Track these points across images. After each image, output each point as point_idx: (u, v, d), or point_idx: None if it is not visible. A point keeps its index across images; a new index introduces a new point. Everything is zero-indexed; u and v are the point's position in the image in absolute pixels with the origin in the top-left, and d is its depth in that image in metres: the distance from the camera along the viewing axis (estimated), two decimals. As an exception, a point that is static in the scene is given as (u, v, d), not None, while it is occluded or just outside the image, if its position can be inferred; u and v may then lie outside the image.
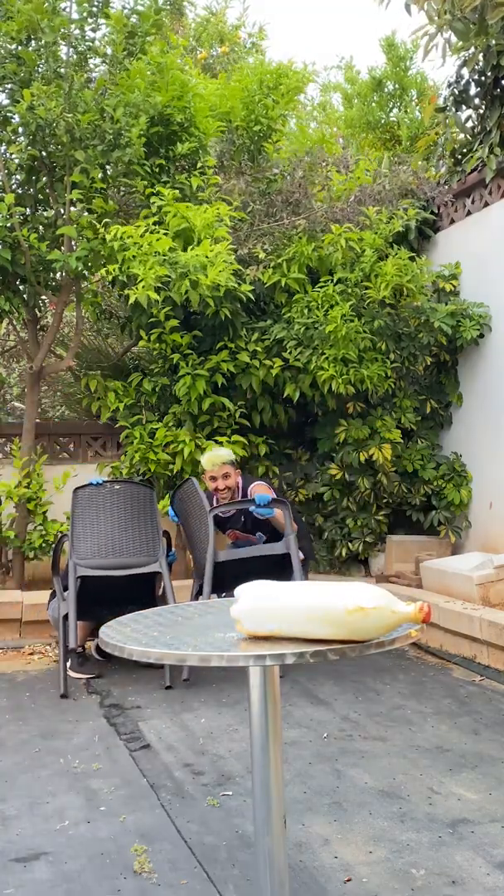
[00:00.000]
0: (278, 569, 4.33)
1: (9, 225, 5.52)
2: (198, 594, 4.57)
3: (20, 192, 5.91)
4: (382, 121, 10.28)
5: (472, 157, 6.40)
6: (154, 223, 5.67)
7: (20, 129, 5.66)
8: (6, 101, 5.73)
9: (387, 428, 6.17)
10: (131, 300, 5.35)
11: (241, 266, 5.88)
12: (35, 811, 2.86)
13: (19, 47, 5.58)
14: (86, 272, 5.91)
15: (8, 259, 5.51)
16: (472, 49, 6.03)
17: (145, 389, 6.07)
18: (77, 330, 6.33)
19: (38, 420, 6.26)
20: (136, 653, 1.69)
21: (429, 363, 6.42)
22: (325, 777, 3.09)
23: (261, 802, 1.83)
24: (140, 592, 4.61)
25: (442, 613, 4.90)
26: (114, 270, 5.52)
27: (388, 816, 2.75)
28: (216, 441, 5.83)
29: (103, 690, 4.28)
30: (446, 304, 6.37)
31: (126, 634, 1.83)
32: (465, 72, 6.63)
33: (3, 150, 5.83)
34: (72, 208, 5.82)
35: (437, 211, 6.91)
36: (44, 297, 6.15)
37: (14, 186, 5.92)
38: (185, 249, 5.61)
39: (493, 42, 5.78)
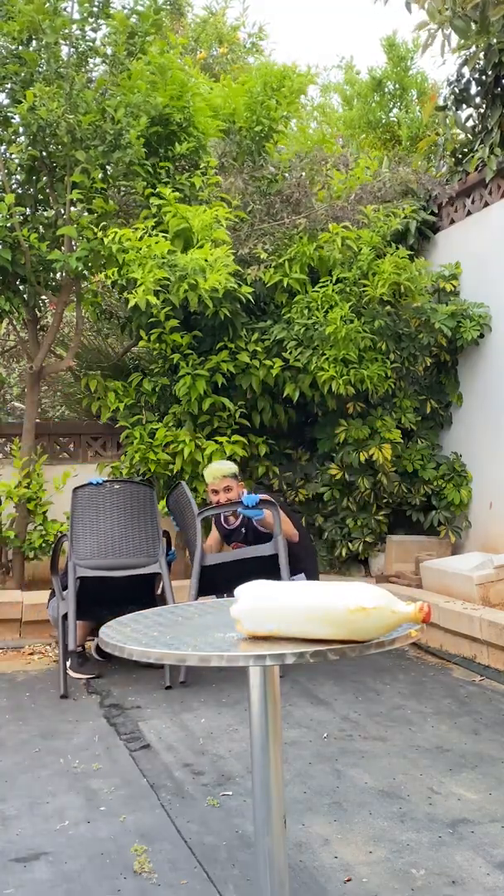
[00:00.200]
0: (274, 571, 4.33)
1: (9, 225, 5.52)
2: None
3: (20, 192, 5.92)
4: (383, 121, 10.28)
5: (472, 157, 6.40)
6: (153, 224, 5.68)
7: (21, 129, 5.66)
8: (6, 102, 5.73)
9: (387, 428, 6.17)
10: (130, 304, 5.36)
11: (241, 266, 5.88)
12: (35, 811, 2.86)
13: (20, 47, 5.58)
14: (86, 272, 5.91)
15: (8, 259, 5.51)
16: (473, 48, 6.02)
17: (145, 389, 6.07)
18: (77, 330, 6.33)
19: (38, 420, 6.26)
20: (136, 653, 1.69)
21: (429, 363, 6.42)
22: (325, 777, 3.09)
23: (261, 802, 1.83)
24: (140, 592, 4.61)
25: (442, 613, 4.90)
26: (112, 274, 5.52)
27: (388, 816, 2.75)
28: (216, 441, 5.83)
29: (103, 690, 4.28)
30: (446, 304, 6.37)
31: (126, 634, 1.83)
32: (466, 70, 6.63)
33: (3, 150, 5.83)
34: (72, 208, 5.82)
35: (436, 211, 6.91)
36: (44, 297, 6.15)
37: (14, 186, 5.92)
38: (185, 250, 5.61)
39: (495, 41, 5.78)
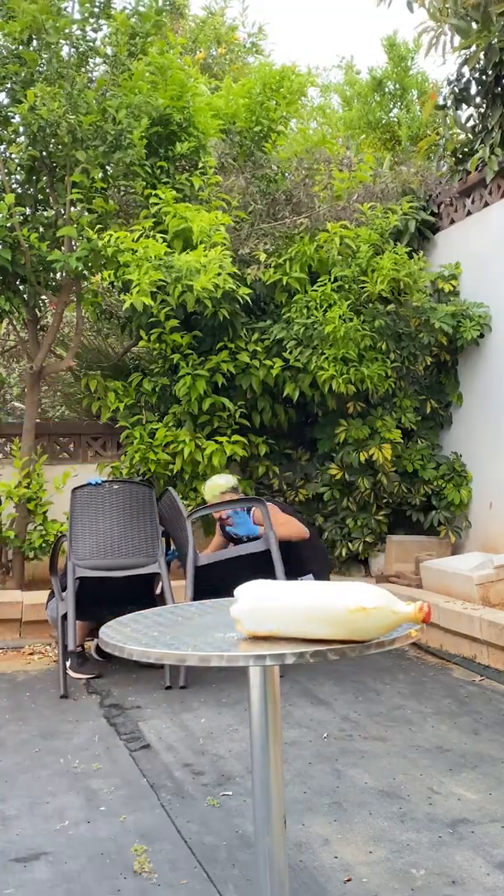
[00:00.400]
0: (271, 570, 4.33)
1: (9, 225, 5.52)
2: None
3: (20, 192, 5.92)
4: (383, 121, 10.28)
5: (473, 157, 6.40)
6: (152, 224, 5.68)
7: (21, 129, 5.66)
8: (7, 102, 5.73)
9: (387, 428, 6.17)
10: (126, 305, 5.37)
11: (241, 266, 5.88)
12: (35, 811, 2.86)
13: (21, 47, 5.58)
14: (86, 272, 5.91)
15: (8, 259, 5.51)
16: (473, 47, 6.02)
17: (145, 389, 6.07)
18: (77, 330, 6.33)
19: (38, 420, 6.26)
20: (136, 653, 1.69)
21: (429, 363, 6.42)
22: (325, 777, 3.09)
23: (261, 802, 1.83)
24: (139, 592, 4.61)
25: (442, 613, 4.90)
26: (108, 276, 5.52)
27: (388, 816, 2.75)
28: (216, 441, 5.83)
29: (103, 690, 4.28)
30: (446, 304, 6.37)
31: (126, 634, 1.82)
32: (466, 70, 6.62)
33: (3, 150, 5.83)
34: (72, 208, 5.82)
35: (436, 211, 6.91)
36: (44, 297, 6.15)
37: (14, 186, 5.93)
38: (184, 250, 5.61)
39: (495, 39, 5.78)
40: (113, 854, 2.53)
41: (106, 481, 4.77)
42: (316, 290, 5.89)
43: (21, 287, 5.88)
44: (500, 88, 6.34)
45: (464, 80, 6.68)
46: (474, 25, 4.89)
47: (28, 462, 5.84)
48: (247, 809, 2.79)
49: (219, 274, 5.33)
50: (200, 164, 6.10)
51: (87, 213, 5.79)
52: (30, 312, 6.08)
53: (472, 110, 6.76)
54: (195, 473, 5.89)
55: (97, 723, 3.78)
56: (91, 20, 5.69)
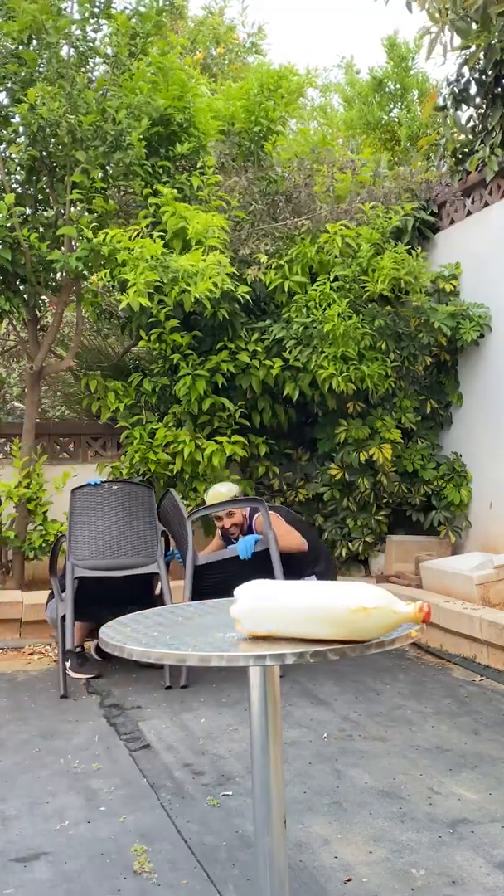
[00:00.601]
0: (270, 571, 4.33)
1: (9, 225, 5.52)
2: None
3: (20, 191, 5.91)
4: (383, 121, 10.28)
5: (473, 157, 6.40)
6: (150, 223, 5.67)
7: (21, 129, 5.66)
8: (6, 101, 5.73)
9: (387, 428, 6.17)
10: (122, 305, 5.37)
11: (241, 266, 5.88)
12: (35, 811, 2.86)
13: (20, 47, 5.58)
14: (86, 272, 5.91)
15: (8, 259, 5.50)
16: (473, 47, 6.02)
17: (145, 389, 6.07)
18: (77, 330, 6.33)
19: (38, 420, 6.26)
20: (136, 653, 1.69)
21: (429, 363, 6.42)
22: (325, 777, 3.09)
23: (261, 802, 1.83)
24: (138, 593, 4.61)
25: (442, 613, 4.90)
26: (104, 276, 5.52)
27: (388, 816, 2.75)
28: (216, 441, 5.83)
29: (103, 690, 4.28)
30: (446, 304, 6.37)
31: (126, 634, 1.83)
32: (466, 70, 6.62)
33: (3, 150, 5.83)
34: (72, 208, 5.82)
35: (436, 211, 6.91)
36: (44, 297, 6.14)
37: (14, 186, 5.92)
38: (183, 250, 5.61)
39: (495, 40, 5.78)
40: (113, 854, 2.53)
41: (105, 482, 4.77)
42: (315, 290, 5.89)
43: (21, 287, 5.88)
44: (499, 89, 6.34)
45: (463, 80, 6.68)
46: (474, 26, 4.89)
47: (28, 462, 5.84)
48: (247, 809, 2.79)
49: (214, 277, 5.31)
50: (200, 164, 6.10)
51: (87, 213, 5.79)
52: (30, 312, 6.08)
53: (471, 111, 6.77)
54: (195, 473, 5.88)
55: (97, 723, 3.78)
56: (91, 20, 5.69)
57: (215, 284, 5.33)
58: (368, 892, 2.28)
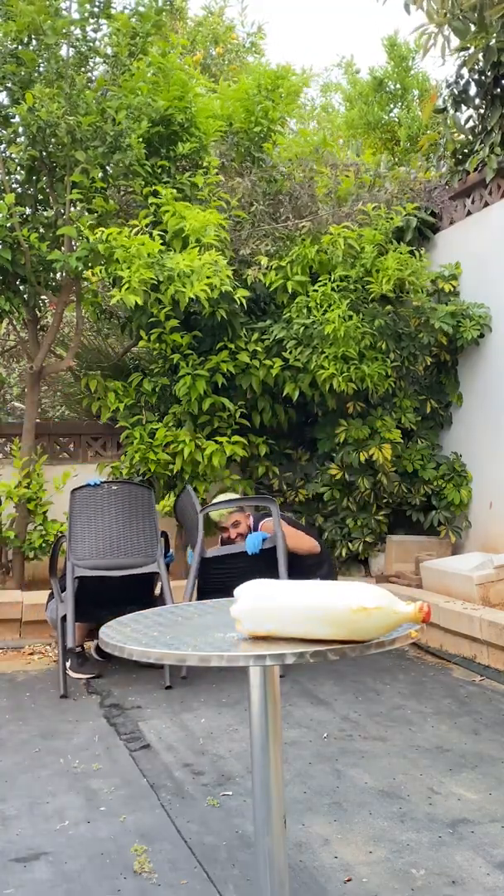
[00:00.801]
0: (275, 569, 4.34)
1: (9, 225, 5.52)
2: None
3: (20, 191, 5.91)
4: (384, 121, 10.28)
5: (473, 157, 6.40)
6: (150, 222, 5.67)
7: (21, 129, 5.66)
8: (6, 102, 5.73)
9: (387, 428, 6.17)
10: (113, 301, 5.37)
11: (241, 266, 5.88)
12: (35, 811, 2.86)
13: (19, 47, 5.58)
14: (85, 272, 5.91)
15: (8, 259, 5.50)
16: (472, 48, 6.02)
17: (145, 389, 6.07)
18: (77, 330, 6.33)
19: (38, 420, 6.26)
20: (136, 653, 1.69)
21: (429, 363, 6.42)
22: (325, 777, 3.09)
23: (261, 802, 1.83)
24: (138, 593, 4.61)
25: (442, 613, 4.90)
26: (99, 272, 5.52)
27: (388, 816, 2.75)
28: (216, 441, 5.83)
29: (103, 690, 4.28)
30: (446, 304, 6.37)
31: (126, 634, 1.83)
32: (465, 71, 6.62)
33: (3, 150, 5.83)
34: (72, 208, 5.82)
35: (436, 211, 6.91)
36: (44, 297, 6.14)
37: (14, 186, 5.92)
38: (183, 249, 5.61)
39: (493, 41, 5.78)
40: (113, 854, 2.53)
41: (105, 482, 4.77)
42: (316, 291, 5.89)
43: (21, 287, 5.88)
44: (499, 89, 6.34)
45: (463, 81, 6.68)
46: (472, 27, 4.90)
47: (28, 462, 5.84)
48: (247, 809, 2.79)
49: (211, 276, 5.31)
50: (203, 164, 6.10)
51: (87, 213, 5.79)
52: (30, 312, 6.08)
53: (471, 112, 6.77)
54: (195, 473, 5.88)
55: (97, 723, 3.78)
56: (91, 20, 5.69)
57: (212, 287, 5.32)
58: (368, 892, 2.28)
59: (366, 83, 10.56)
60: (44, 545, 5.72)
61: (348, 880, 2.35)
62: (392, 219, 6.10)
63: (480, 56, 6.13)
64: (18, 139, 5.76)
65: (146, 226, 5.60)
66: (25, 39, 5.58)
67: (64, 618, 4.32)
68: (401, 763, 3.22)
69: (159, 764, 3.26)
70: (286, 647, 1.62)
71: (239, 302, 5.71)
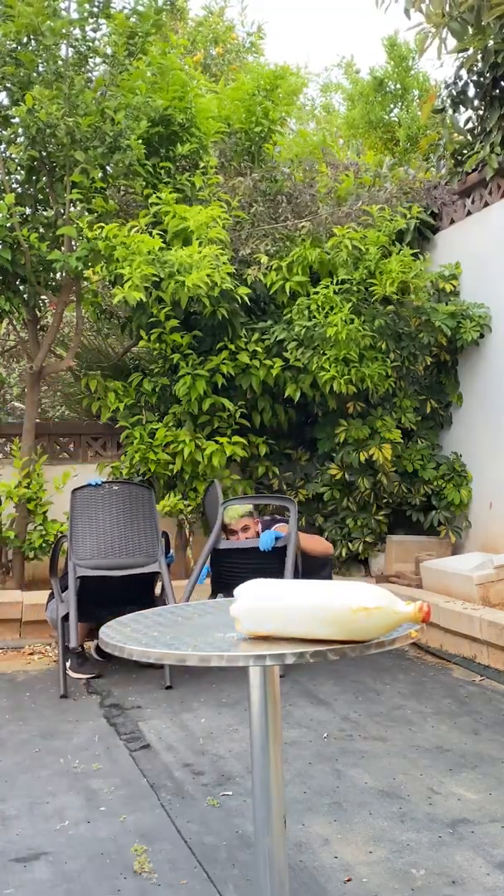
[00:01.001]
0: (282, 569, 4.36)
1: (9, 225, 5.52)
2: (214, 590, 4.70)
3: (20, 191, 5.91)
4: (384, 120, 10.27)
5: (472, 157, 6.40)
6: (150, 222, 5.67)
7: (20, 130, 5.66)
8: (6, 102, 5.73)
9: (387, 428, 6.17)
10: (116, 299, 5.37)
11: (241, 266, 5.88)
12: (35, 811, 2.86)
13: (18, 48, 5.57)
14: (85, 272, 5.91)
15: (8, 259, 5.50)
16: (470, 50, 6.03)
17: (145, 389, 6.07)
18: (77, 330, 6.33)
19: (38, 420, 6.26)
20: (136, 653, 1.69)
21: (429, 363, 6.42)
22: (325, 777, 3.09)
23: (261, 802, 1.83)
24: (139, 593, 4.61)
25: (442, 613, 4.90)
26: (100, 270, 5.52)
27: (388, 816, 2.75)
28: (216, 441, 5.83)
29: (103, 690, 4.28)
30: (446, 304, 6.37)
31: (126, 634, 1.83)
32: (464, 73, 6.63)
33: (3, 150, 5.83)
34: (72, 208, 5.82)
35: (436, 211, 6.91)
36: (44, 297, 6.14)
37: (14, 186, 5.92)
38: (183, 248, 5.60)
39: (491, 42, 5.78)
40: (113, 854, 2.53)
41: (106, 482, 4.78)
42: (318, 293, 5.89)
43: (21, 287, 5.88)
44: (497, 91, 6.34)
45: (461, 82, 6.68)
46: (469, 29, 4.90)
47: (28, 462, 5.84)
48: (247, 809, 2.79)
49: (212, 272, 5.31)
50: (202, 164, 6.10)
51: (86, 213, 5.79)
52: (30, 312, 6.08)
53: (470, 113, 6.77)
54: (195, 473, 5.89)
55: (97, 723, 3.78)
56: (90, 20, 5.68)
57: (214, 283, 5.32)
58: (368, 892, 2.28)
59: (366, 83, 10.55)
60: (44, 545, 5.72)
61: (348, 880, 2.35)
62: (394, 220, 6.09)
63: (479, 57, 6.13)
64: (18, 139, 5.76)
65: (146, 226, 5.60)
66: (24, 40, 5.58)
67: (64, 618, 4.32)
68: (401, 763, 3.22)
69: (159, 764, 3.26)
70: (286, 647, 1.62)
71: (240, 300, 5.71)
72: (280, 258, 6.02)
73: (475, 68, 6.42)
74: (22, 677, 4.54)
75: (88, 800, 2.94)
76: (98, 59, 5.89)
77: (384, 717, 3.79)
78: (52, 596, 4.76)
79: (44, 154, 5.63)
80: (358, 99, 10.52)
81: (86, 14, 5.67)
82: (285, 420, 6.34)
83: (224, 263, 5.43)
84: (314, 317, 5.83)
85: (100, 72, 5.93)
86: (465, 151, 6.74)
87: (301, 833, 2.63)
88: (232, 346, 5.92)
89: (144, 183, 5.95)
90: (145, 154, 5.85)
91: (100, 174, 5.68)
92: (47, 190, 5.89)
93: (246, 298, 5.73)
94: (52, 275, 5.94)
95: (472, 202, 6.52)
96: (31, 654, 4.98)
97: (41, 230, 5.85)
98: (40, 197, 6.01)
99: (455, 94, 6.71)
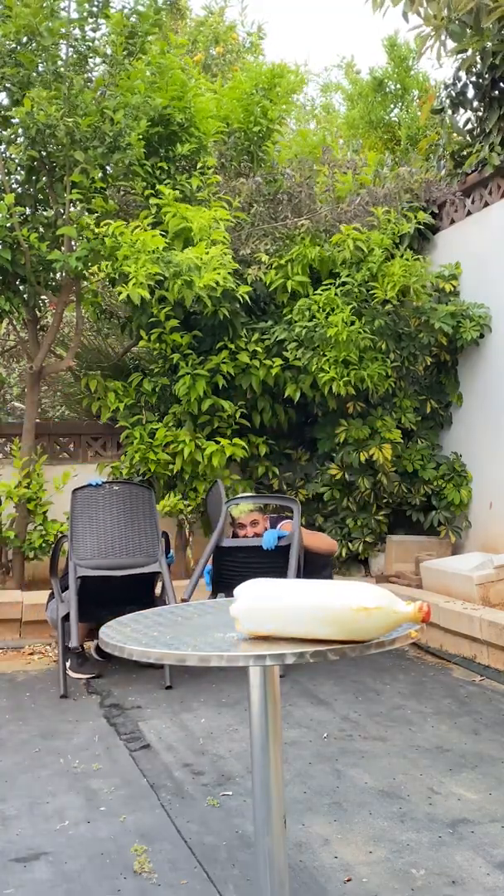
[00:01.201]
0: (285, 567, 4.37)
1: (9, 225, 5.52)
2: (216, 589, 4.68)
3: (20, 191, 5.91)
4: (384, 120, 10.27)
5: (472, 156, 6.40)
6: (152, 223, 5.67)
7: (20, 130, 5.66)
8: (6, 102, 5.73)
9: (387, 428, 6.17)
10: (121, 297, 5.37)
11: (241, 266, 5.88)
12: (35, 811, 2.86)
13: (18, 48, 5.57)
14: (86, 272, 5.91)
15: (8, 259, 5.50)
16: (469, 51, 6.03)
17: (145, 389, 6.07)
18: (77, 330, 6.33)
19: (38, 420, 6.26)
20: (136, 653, 1.69)
21: (429, 363, 6.42)
22: (325, 777, 3.09)
23: (261, 802, 1.83)
24: (139, 593, 4.61)
25: (442, 613, 4.90)
26: (106, 267, 5.52)
27: (388, 816, 2.75)
28: (216, 441, 5.83)
29: (103, 690, 4.28)
30: (446, 304, 6.37)
31: (126, 634, 1.83)
32: (463, 74, 6.63)
33: (3, 150, 5.83)
34: (72, 208, 5.82)
35: (436, 211, 6.91)
36: (44, 297, 6.14)
37: (14, 186, 5.92)
38: (184, 249, 5.61)
39: (490, 44, 5.79)
40: (113, 854, 2.53)
41: (106, 482, 4.78)
42: (320, 295, 5.89)
43: (21, 287, 5.87)
44: (496, 91, 6.34)
45: (460, 83, 6.69)
46: (468, 31, 4.91)
47: (28, 462, 5.84)
48: (247, 809, 2.79)
49: (218, 271, 5.31)
50: (200, 164, 6.10)
51: (86, 213, 5.79)
52: (30, 312, 6.08)
53: (469, 114, 6.77)
54: (195, 473, 5.89)
55: (97, 723, 3.78)
56: (90, 20, 5.68)
57: (217, 283, 5.33)
58: (368, 892, 2.28)
59: (366, 83, 10.54)
60: (44, 545, 5.72)
61: (348, 880, 2.35)
62: (401, 223, 6.09)
63: (478, 59, 6.14)
64: (18, 140, 5.76)
65: (147, 226, 5.60)
66: (24, 40, 5.58)
67: (64, 618, 4.32)
68: (401, 763, 3.22)
69: (159, 764, 3.26)
70: (286, 647, 1.62)
71: (241, 300, 5.71)
72: (279, 256, 6.02)
73: (474, 69, 6.43)
74: (22, 677, 4.54)
75: (88, 800, 2.94)
76: (98, 59, 5.89)
77: (384, 717, 3.79)
78: (52, 596, 4.76)
79: (44, 154, 5.63)
80: (358, 99, 10.51)
81: (85, 14, 5.67)
82: (285, 420, 6.34)
83: (229, 262, 5.43)
84: (315, 317, 5.83)
85: (99, 72, 5.93)
86: (464, 152, 6.74)
87: (301, 833, 2.63)
88: (232, 346, 5.92)
89: (144, 183, 5.94)
90: (144, 154, 5.85)
91: (99, 174, 5.68)
92: (47, 190, 5.89)
93: (247, 298, 5.73)
94: (51, 275, 5.94)
95: (472, 202, 6.52)
96: (31, 654, 4.98)
97: (41, 230, 5.85)
98: (40, 197, 6.01)
99: (454, 95, 6.72)
